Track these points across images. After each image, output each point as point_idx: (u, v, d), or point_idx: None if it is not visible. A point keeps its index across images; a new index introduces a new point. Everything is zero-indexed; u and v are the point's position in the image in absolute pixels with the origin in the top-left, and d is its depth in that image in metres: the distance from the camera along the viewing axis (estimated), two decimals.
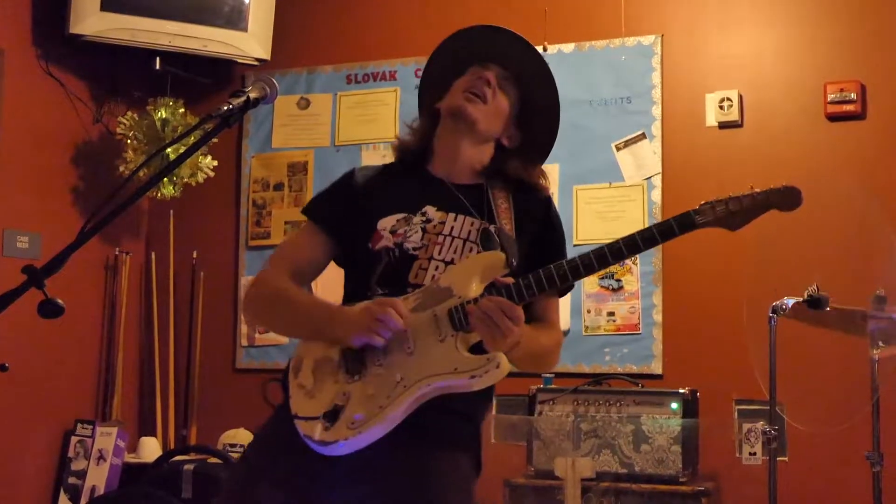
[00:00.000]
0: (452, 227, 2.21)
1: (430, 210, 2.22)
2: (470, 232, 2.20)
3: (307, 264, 2.30)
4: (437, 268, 2.16)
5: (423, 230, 2.19)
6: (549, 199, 2.34)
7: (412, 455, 2.08)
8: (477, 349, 2.07)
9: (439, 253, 2.18)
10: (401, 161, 2.38)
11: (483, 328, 2.02)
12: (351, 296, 2.23)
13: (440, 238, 2.19)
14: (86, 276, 4.94)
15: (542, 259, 2.18)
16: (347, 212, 2.26)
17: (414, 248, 2.17)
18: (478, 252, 2.18)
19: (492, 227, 2.20)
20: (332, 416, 2.05)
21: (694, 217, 2.11)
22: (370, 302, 2.09)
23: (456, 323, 2.05)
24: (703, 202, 2.11)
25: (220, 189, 5.13)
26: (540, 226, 2.30)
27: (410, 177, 2.31)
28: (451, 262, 2.17)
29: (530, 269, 2.12)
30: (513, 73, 2.34)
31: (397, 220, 2.20)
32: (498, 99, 2.30)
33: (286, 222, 5.04)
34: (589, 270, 2.08)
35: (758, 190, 2.13)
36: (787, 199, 2.11)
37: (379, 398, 2.04)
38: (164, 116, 4.84)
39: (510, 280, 2.08)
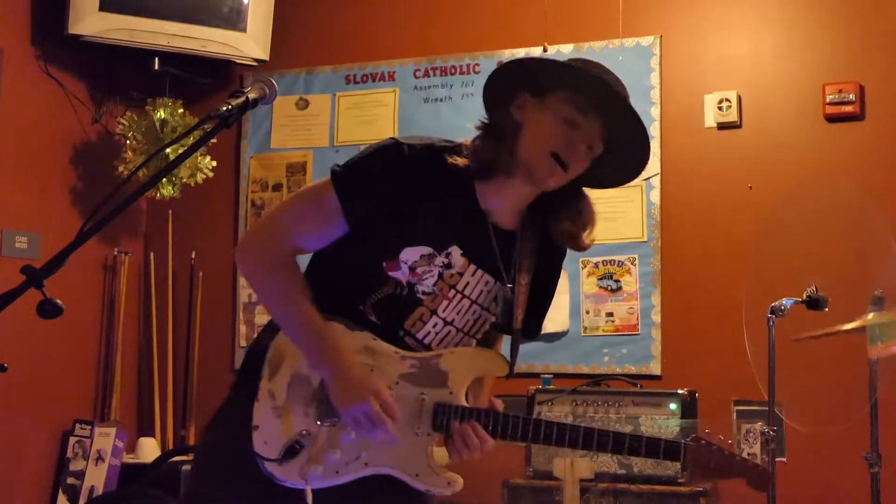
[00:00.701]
0: (467, 284, 2.15)
1: (455, 253, 2.13)
2: (482, 293, 2.17)
3: (310, 245, 2.17)
4: (435, 324, 2.14)
5: (440, 275, 2.13)
6: (563, 257, 2.33)
7: None
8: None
9: (444, 310, 2.14)
10: (466, 173, 2.11)
11: (457, 444, 2.08)
12: (341, 292, 2.14)
13: (451, 293, 2.14)
14: (84, 277, 4.93)
15: (533, 297, 2.23)
16: (380, 216, 2.09)
17: (423, 293, 2.13)
18: (481, 315, 2.19)
19: (503, 293, 2.18)
20: (289, 453, 2.06)
21: (681, 456, 2.12)
22: (373, 390, 2.04)
23: (437, 424, 2.09)
24: (695, 440, 2.12)
25: (218, 189, 5.13)
26: (547, 276, 2.29)
27: (457, 197, 2.12)
28: (452, 322, 2.16)
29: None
30: (608, 134, 2.10)
31: (421, 257, 2.11)
32: (580, 165, 2.10)
33: None
34: (587, 445, 2.10)
35: (741, 457, 2.18)
36: (758, 480, 2.16)
37: (338, 465, 2.07)
38: (162, 117, 4.83)
39: (500, 407, 2.14)
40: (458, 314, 2.16)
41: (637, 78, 4.57)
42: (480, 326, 2.21)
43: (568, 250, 2.30)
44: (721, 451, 2.12)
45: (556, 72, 2.10)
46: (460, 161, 2.10)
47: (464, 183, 2.12)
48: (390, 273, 2.11)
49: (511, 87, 2.12)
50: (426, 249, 2.11)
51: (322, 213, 2.12)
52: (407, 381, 2.10)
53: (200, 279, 5.11)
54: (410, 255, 2.11)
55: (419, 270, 2.11)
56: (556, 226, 2.18)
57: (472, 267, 2.15)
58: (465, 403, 2.11)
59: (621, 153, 2.14)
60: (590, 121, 2.06)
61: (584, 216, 2.20)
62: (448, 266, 2.13)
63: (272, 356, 2.13)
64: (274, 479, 2.06)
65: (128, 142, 4.83)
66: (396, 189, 2.08)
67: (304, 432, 2.07)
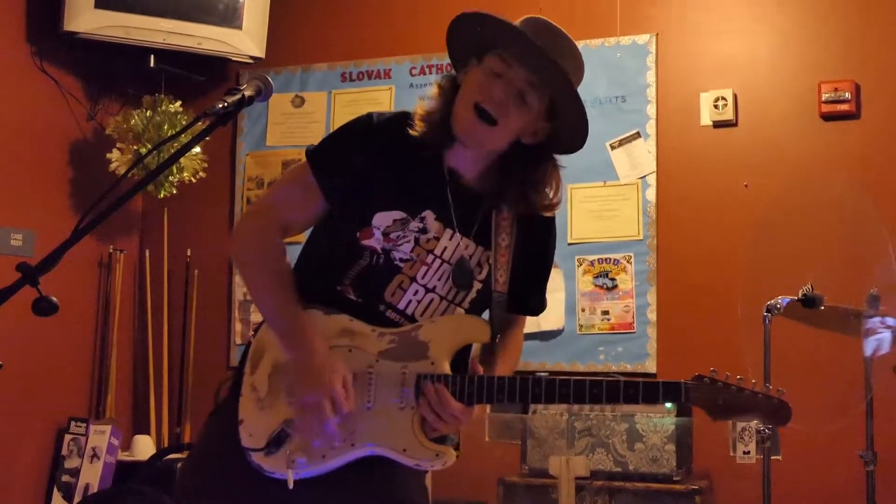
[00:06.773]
0: (445, 249, 2.12)
1: (429, 217, 2.11)
2: (462, 258, 2.13)
3: (298, 224, 2.20)
4: (415, 292, 2.11)
5: (416, 241, 2.10)
6: (552, 220, 2.23)
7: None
8: None
9: (423, 276, 2.11)
10: (419, 142, 2.12)
11: (429, 415, 2.02)
12: (319, 276, 2.14)
13: (429, 258, 2.11)
14: (80, 274, 4.93)
15: (526, 276, 2.19)
16: (353, 186, 2.11)
17: (401, 259, 2.10)
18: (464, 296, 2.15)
19: (485, 257, 2.14)
20: (275, 443, 2.04)
21: (681, 396, 1.96)
22: (327, 382, 2.01)
23: (420, 396, 2.04)
24: (697, 376, 1.96)
25: (214, 187, 5.13)
26: (537, 243, 2.22)
27: (425, 162, 2.12)
28: (434, 289, 2.12)
29: (514, 283, 2.14)
30: (544, 88, 2.08)
31: (394, 221, 2.09)
32: (512, 118, 2.07)
33: None
34: (579, 398, 2.00)
35: (753, 390, 1.98)
36: (777, 415, 1.99)
37: (323, 449, 2.04)
38: (158, 114, 4.82)
39: (480, 370, 2.06)
40: (439, 280, 2.12)
41: (633, 76, 4.57)
42: (466, 293, 2.16)
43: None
44: (728, 386, 1.95)
45: (496, 31, 2.11)
46: (423, 126, 2.11)
47: (430, 147, 2.12)
48: (364, 242, 2.10)
49: (462, 53, 2.15)
50: (399, 214, 2.11)
51: (302, 189, 2.15)
52: (387, 358, 2.07)
53: (196, 277, 5.11)
54: (383, 219, 2.10)
55: (393, 236, 2.10)
56: (512, 188, 2.12)
57: (449, 231, 2.12)
58: (448, 372, 2.05)
59: (565, 110, 2.10)
60: (514, 70, 2.07)
61: (537, 178, 2.14)
62: (423, 231, 2.11)
63: (253, 351, 2.15)
64: (262, 472, 2.05)
65: (122, 139, 4.81)
66: (363, 155, 2.11)
67: (288, 420, 2.05)
